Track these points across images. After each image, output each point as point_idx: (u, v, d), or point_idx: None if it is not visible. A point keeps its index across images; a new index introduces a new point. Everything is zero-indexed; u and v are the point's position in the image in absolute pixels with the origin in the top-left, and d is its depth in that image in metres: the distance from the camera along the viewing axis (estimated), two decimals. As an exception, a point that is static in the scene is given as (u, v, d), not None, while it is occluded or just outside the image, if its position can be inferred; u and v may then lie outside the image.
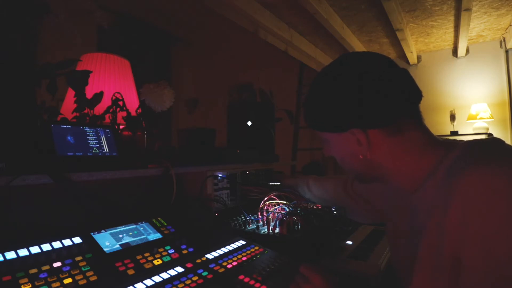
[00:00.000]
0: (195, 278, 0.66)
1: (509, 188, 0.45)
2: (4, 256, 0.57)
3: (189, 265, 0.71)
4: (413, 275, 0.54)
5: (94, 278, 0.60)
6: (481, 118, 3.31)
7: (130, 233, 0.77)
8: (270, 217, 0.98)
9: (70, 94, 1.19)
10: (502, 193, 0.45)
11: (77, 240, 0.68)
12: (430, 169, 0.59)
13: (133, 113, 1.10)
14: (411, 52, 3.58)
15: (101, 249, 0.68)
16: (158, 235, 0.79)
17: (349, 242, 0.99)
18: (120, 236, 0.75)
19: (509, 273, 0.43)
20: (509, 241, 0.43)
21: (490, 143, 0.58)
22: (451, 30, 3.16)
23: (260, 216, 1.02)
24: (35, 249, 0.61)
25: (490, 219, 0.45)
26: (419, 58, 3.90)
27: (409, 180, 0.63)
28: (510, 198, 0.44)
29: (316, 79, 0.67)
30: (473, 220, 0.46)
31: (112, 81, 1.31)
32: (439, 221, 0.50)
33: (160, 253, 0.73)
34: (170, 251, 0.75)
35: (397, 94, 0.59)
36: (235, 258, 0.77)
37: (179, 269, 0.69)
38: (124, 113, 1.08)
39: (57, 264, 0.60)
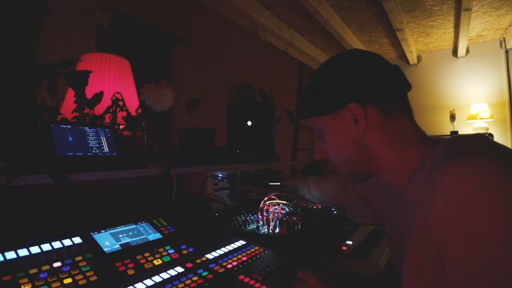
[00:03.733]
0: (195, 278, 0.66)
1: (489, 183, 0.45)
2: (4, 256, 0.57)
3: (189, 265, 0.71)
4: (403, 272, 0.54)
5: (94, 278, 0.60)
6: (481, 118, 3.32)
7: (130, 233, 0.77)
8: (270, 217, 0.98)
9: (70, 94, 1.18)
10: (483, 188, 0.45)
11: (77, 240, 0.68)
12: (418, 164, 0.60)
13: (133, 113, 1.10)
14: (411, 52, 3.58)
15: (101, 249, 0.68)
16: (158, 235, 0.79)
17: (349, 242, 0.99)
18: (120, 236, 0.75)
19: (491, 269, 0.43)
20: (490, 236, 0.43)
21: (473, 139, 0.58)
22: (451, 30, 3.16)
23: (260, 216, 1.02)
24: (35, 249, 0.61)
25: (471, 214, 0.45)
26: (419, 58, 3.90)
27: (399, 175, 0.64)
28: (490, 193, 0.44)
29: (315, 72, 0.72)
30: (454, 216, 0.46)
31: (112, 81, 1.31)
32: (425, 217, 0.50)
33: (160, 253, 0.73)
34: (170, 251, 0.75)
35: (390, 74, 0.64)
36: (235, 258, 0.77)
37: (179, 269, 0.69)
38: (124, 113, 1.08)
39: (57, 264, 0.60)
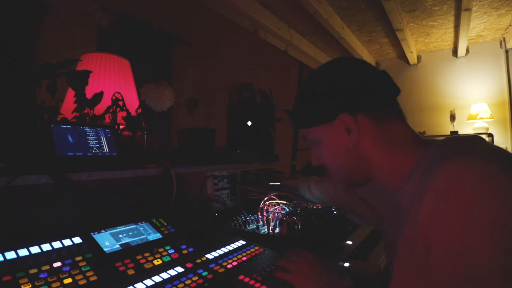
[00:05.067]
0: (195, 278, 0.66)
1: (478, 182, 0.45)
2: (4, 256, 0.57)
3: (189, 265, 0.71)
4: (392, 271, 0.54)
5: (94, 278, 0.60)
6: (481, 118, 3.32)
7: (130, 233, 0.77)
8: (270, 217, 0.98)
9: (70, 94, 1.19)
10: (472, 186, 0.45)
11: (77, 240, 0.68)
12: (412, 167, 0.60)
13: (133, 113, 1.10)
14: (411, 52, 3.58)
15: (101, 249, 0.68)
16: (158, 235, 0.79)
17: (349, 242, 0.99)
18: (120, 236, 0.75)
19: (478, 272, 0.42)
20: (477, 235, 0.43)
21: (465, 140, 0.59)
22: (451, 30, 3.16)
23: (260, 216, 1.02)
24: (35, 249, 0.61)
25: (460, 212, 0.44)
26: (419, 58, 3.90)
27: (394, 178, 0.64)
28: (478, 191, 0.44)
29: (304, 83, 0.72)
30: (443, 213, 0.46)
31: (112, 81, 1.31)
32: (414, 216, 0.50)
33: (160, 253, 0.73)
34: (170, 251, 0.75)
35: (378, 81, 0.65)
36: (235, 258, 0.77)
37: (179, 269, 0.69)
38: (124, 113, 1.08)
39: (57, 264, 0.60)
